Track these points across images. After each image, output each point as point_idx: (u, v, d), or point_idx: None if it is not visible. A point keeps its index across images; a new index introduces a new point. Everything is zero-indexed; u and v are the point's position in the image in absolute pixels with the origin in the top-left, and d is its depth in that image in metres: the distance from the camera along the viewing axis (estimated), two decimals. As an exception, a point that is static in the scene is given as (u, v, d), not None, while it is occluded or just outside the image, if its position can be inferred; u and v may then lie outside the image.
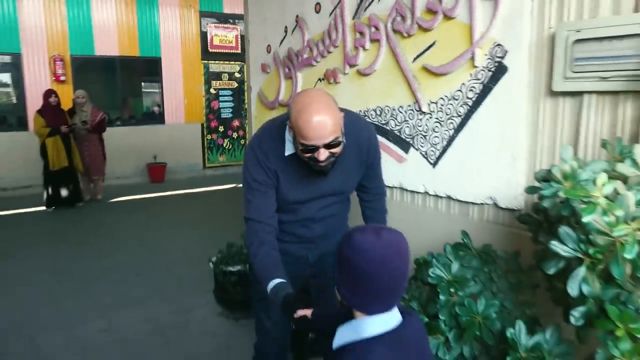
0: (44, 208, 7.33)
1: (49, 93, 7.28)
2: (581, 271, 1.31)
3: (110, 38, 9.63)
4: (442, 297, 1.78)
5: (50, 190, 7.34)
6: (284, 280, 1.75)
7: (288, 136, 1.86)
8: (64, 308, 3.94)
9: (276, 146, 1.89)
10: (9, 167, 8.80)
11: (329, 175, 1.88)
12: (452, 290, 1.78)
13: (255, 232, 1.90)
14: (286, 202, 1.97)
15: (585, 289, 1.29)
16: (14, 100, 9.19)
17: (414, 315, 1.30)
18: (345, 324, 1.24)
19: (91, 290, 4.31)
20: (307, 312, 1.59)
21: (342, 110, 1.84)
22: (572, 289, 1.30)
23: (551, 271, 1.42)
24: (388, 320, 1.21)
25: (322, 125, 1.64)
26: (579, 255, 1.32)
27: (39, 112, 7.20)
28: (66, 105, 8.24)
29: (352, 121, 1.93)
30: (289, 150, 1.86)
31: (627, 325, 1.24)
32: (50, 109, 7.21)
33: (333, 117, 1.66)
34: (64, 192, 7.41)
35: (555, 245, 1.35)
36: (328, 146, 1.70)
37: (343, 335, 1.23)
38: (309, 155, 1.73)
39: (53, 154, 7.20)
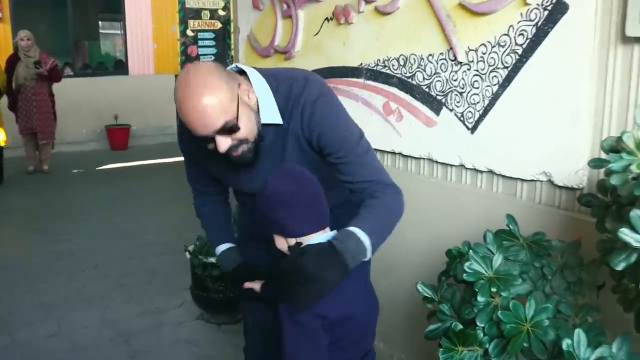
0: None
1: None
2: (659, 267, 1.30)
3: (59, -36, 9.56)
4: (480, 299, 1.78)
5: None
6: (233, 245, 2.09)
7: None
8: (2, 306, 3.98)
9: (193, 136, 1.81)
10: None
11: (264, 164, 1.83)
12: (493, 289, 1.78)
13: (198, 195, 2.19)
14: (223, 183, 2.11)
15: (663, 291, 1.29)
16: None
17: None
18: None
19: (37, 284, 4.35)
20: (256, 286, 1.95)
21: (268, 75, 1.84)
22: (646, 290, 1.30)
23: (620, 267, 1.41)
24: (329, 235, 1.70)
25: (200, 112, 1.62)
26: (657, 247, 1.32)
27: None
28: (4, 50, 8.21)
29: (287, 96, 1.84)
30: None
31: None
32: None
33: (214, 97, 1.62)
34: None
35: (625, 234, 1.34)
36: (223, 132, 1.67)
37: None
38: (211, 147, 1.71)
39: None
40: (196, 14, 10.83)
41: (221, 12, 11.01)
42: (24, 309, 3.97)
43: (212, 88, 1.63)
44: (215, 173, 2.02)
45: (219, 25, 11.05)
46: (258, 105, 1.79)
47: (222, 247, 2.07)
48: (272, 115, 1.81)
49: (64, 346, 3.50)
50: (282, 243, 1.71)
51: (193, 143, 1.84)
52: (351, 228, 1.68)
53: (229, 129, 1.67)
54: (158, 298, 4.11)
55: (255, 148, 1.77)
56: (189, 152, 2.03)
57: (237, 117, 1.67)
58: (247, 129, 1.72)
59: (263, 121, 1.79)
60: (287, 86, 1.84)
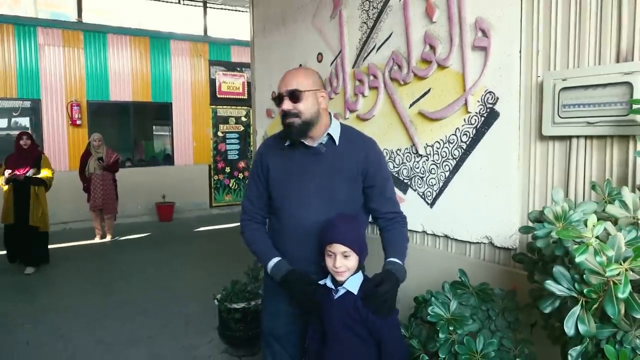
0: (56, 245, 7.26)
1: (20, 136, 5.92)
2: (576, 310, 1.28)
3: (125, 84, 9.80)
4: (441, 336, 1.74)
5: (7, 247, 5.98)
6: (282, 259, 1.96)
7: None
8: (71, 345, 3.87)
9: (276, 143, 2.05)
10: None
11: (317, 168, 1.93)
12: (451, 328, 1.75)
13: (248, 220, 2.08)
14: (275, 194, 2.01)
15: (582, 328, 1.26)
16: (32, 143, 9.27)
17: None
18: (349, 281, 1.80)
19: (99, 327, 4.23)
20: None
21: (346, 125, 2.07)
22: (569, 328, 1.28)
23: (547, 310, 1.39)
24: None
25: (288, 76, 1.91)
26: (574, 294, 1.30)
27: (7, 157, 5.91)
28: (82, 147, 8.31)
29: (353, 133, 2.05)
30: (288, 142, 1.99)
31: (623, 364, 1.21)
32: (16, 153, 5.84)
33: (303, 75, 1.92)
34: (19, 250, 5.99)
35: (550, 285, 1.33)
36: (290, 96, 1.86)
37: (355, 283, 1.80)
38: (280, 108, 1.90)
39: (3, 206, 5.82)
40: (225, 120, 11.05)
41: (243, 119, 11.23)
42: (88, 347, 3.85)
43: (307, 71, 1.97)
44: (278, 174, 2.00)
45: (241, 128, 11.25)
46: (331, 121, 1.99)
47: (275, 259, 1.95)
48: (334, 133, 1.97)
49: (118, 376, 3.37)
50: (331, 264, 1.79)
51: (272, 153, 2.03)
52: (395, 259, 1.86)
53: (295, 96, 1.87)
54: (193, 336, 3.99)
55: (301, 129, 1.90)
56: (263, 166, 2.04)
57: (303, 93, 1.87)
58: (305, 107, 1.88)
59: (329, 131, 1.96)
60: (352, 133, 2.05)
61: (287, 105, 1.87)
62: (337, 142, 1.95)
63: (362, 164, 1.96)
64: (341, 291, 1.81)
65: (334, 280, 1.83)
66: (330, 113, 2.01)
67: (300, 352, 2.11)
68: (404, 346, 1.83)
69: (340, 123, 2.03)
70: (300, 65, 3.54)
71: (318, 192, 1.93)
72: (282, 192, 1.98)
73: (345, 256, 1.76)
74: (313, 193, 1.93)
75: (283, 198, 1.98)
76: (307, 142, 1.95)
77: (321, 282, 1.87)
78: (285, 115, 1.89)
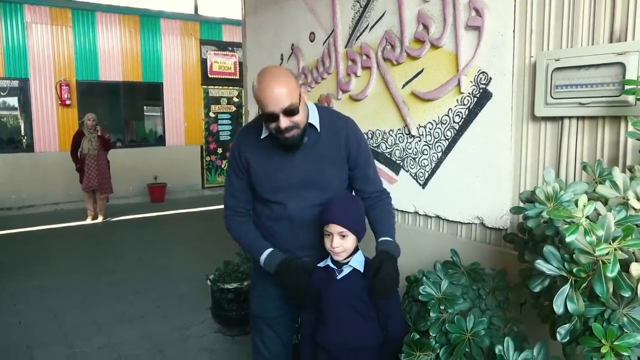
0: (47, 227, 7.25)
1: None
2: (566, 289, 1.29)
3: (115, 64, 9.68)
4: (432, 314, 1.76)
5: None
6: (274, 249, 1.94)
7: None
8: (63, 324, 3.88)
9: (252, 135, 1.97)
10: (14, 187, 8.74)
11: (301, 160, 1.88)
12: (442, 307, 1.77)
13: (232, 214, 2.04)
14: (261, 190, 1.96)
15: (570, 307, 1.28)
16: (21, 122, 9.17)
17: None
18: (354, 259, 1.82)
19: (91, 307, 4.25)
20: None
21: (320, 106, 2.02)
22: (558, 307, 1.29)
23: (537, 289, 1.41)
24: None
25: (277, 91, 1.71)
26: (563, 273, 1.31)
27: None
28: (72, 128, 8.22)
29: (330, 114, 2.00)
30: (264, 134, 1.92)
31: (611, 342, 1.22)
32: None
33: (287, 85, 1.73)
34: None
35: (540, 264, 1.34)
36: (286, 113, 1.74)
37: (360, 260, 1.84)
38: (273, 125, 1.78)
39: None
40: (216, 100, 10.97)
41: (235, 99, 11.15)
42: (81, 326, 3.87)
43: (287, 78, 1.76)
44: (261, 170, 1.94)
45: (233, 108, 11.18)
46: (308, 112, 1.89)
47: (267, 250, 1.92)
48: (314, 121, 1.91)
49: (112, 356, 3.39)
50: (329, 244, 1.79)
51: (250, 147, 1.95)
52: (388, 238, 1.87)
53: (292, 110, 1.75)
54: (185, 316, 4.02)
55: (301, 137, 1.84)
56: (242, 161, 1.97)
57: (298, 104, 1.77)
58: (301, 117, 1.81)
59: (309, 121, 1.89)
60: (330, 114, 2.01)
61: (285, 122, 1.75)
62: (319, 129, 1.92)
63: (344, 145, 1.94)
64: (346, 270, 1.82)
65: (334, 261, 1.84)
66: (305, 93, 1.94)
67: (291, 336, 2.12)
68: (404, 321, 1.89)
69: (315, 104, 1.99)
70: (293, 44, 3.51)
71: (306, 182, 1.91)
72: (268, 186, 1.94)
73: (342, 236, 1.77)
74: (301, 184, 1.91)
75: (269, 192, 1.94)
76: None
77: (321, 265, 1.88)
78: (282, 130, 1.77)
